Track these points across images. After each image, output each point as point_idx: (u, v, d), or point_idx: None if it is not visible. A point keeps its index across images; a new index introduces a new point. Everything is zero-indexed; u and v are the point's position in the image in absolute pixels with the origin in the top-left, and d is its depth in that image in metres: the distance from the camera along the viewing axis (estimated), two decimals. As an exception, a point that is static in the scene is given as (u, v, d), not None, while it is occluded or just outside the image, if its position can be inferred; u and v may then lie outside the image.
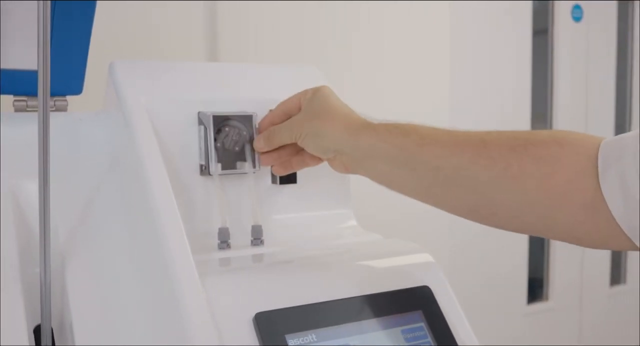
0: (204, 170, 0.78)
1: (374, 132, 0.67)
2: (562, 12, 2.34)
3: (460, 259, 2.02)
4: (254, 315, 0.61)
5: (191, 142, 0.78)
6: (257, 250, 0.76)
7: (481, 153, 0.60)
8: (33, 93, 0.84)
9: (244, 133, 0.79)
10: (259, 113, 0.81)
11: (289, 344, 0.60)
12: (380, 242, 0.79)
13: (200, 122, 0.78)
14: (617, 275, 2.63)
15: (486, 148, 0.61)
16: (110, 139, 0.80)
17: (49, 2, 0.56)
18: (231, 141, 0.78)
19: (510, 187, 0.59)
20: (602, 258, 2.53)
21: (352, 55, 1.77)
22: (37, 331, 0.68)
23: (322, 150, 0.73)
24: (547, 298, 2.41)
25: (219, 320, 0.60)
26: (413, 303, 0.68)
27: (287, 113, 0.78)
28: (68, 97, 0.84)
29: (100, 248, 0.71)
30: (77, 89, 0.83)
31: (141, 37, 1.41)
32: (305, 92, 0.77)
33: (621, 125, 2.58)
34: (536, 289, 2.40)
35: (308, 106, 0.75)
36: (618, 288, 2.61)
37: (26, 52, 0.77)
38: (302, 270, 0.70)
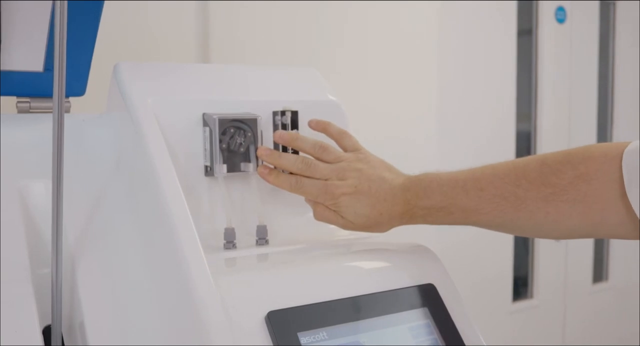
0: (209, 171, 0.79)
1: (422, 219, 0.77)
2: (546, 14, 2.38)
3: (446, 258, 2.04)
4: (266, 313, 0.62)
5: (196, 144, 0.80)
6: (263, 249, 0.78)
7: (520, 209, 0.70)
8: (32, 94, 0.84)
9: (249, 134, 0.80)
10: (262, 115, 0.82)
11: (301, 342, 0.62)
12: (383, 241, 0.81)
13: (206, 124, 0.79)
14: (599, 272, 2.68)
15: (524, 203, 0.69)
16: (114, 140, 0.81)
17: (65, 2, 0.56)
18: (236, 143, 0.79)
19: (553, 228, 0.70)
20: (584, 256, 2.58)
21: (342, 55, 1.78)
22: (45, 332, 0.69)
23: (361, 221, 0.77)
24: (531, 296, 2.45)
25: (232, 318, 0.61)
26: (419, 300, 0.70)
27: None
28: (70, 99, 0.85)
29: (110, 249, 0.72)
30: (80, 90, 0.84)
31: (132, 38, 1.41)
32: (329, 194, 0.77)
33: (603, 124, 2.63)
34: (521, 287, 2.44)
35: (352, 173, 0.77)
36: (601, 286, 2.66)
37: (26, 53, 0.78)
38: (310, 269, 0.71)
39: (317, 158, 0.80)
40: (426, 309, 0.69)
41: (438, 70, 2.01)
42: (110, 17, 1.35)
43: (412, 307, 0.69)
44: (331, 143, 0.82)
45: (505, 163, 0.73)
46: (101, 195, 0.77)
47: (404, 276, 0.71)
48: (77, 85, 0.83)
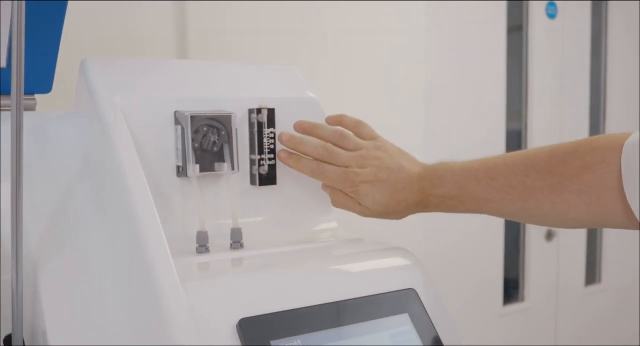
0: (181, 171, 0.78)
1: (436, 208, 0.80)
2: (536, 9, 2.38)
3: (434, 260, 2.04)
4: (238, 320, 0.61)
5: (168, 143, 0.78)
6: (237, 253, 0.76)
7: (528, 199, 0.72)
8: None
9: (223, 133, 0.79)
10: (238, 113, 0.81)
11: (275, 350, 0.61)
12: (363, 244, 0.80)
13: (177, 122, 0.78)
14: (592, 274, 2.69)
15: (531, 193, 0.72)
16: (82, 139, 0.79)
17: (23, 1, 0.55)
18: (209, 141, 0.78)
19: (561, 218, 0.72)
20: (577, 257, 2.58)
21: (326, 55, 1.77)
22: (6, 341, 0.67)
23: (379, 208, 0.81)
24: (522, 299, 2.45)
25: (202, 326, 0.60)
26: (399, 306, 0.69)
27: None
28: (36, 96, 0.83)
29: (74, 253, 0.71)
30: (46, 88, 0.82)
31: (108, 34, 1.40)
32: (349, 180, 0.80)
33: (595, 122, 2.64)
34: (512, 290, 2.43)
35: (372, 161, 0.81)
36: (593, 288, 2.66)
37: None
38: (285, 274, 0.70)
39: (337, 146, 0.82)
40: (407, 315, 0.68)
41: (426, 68, 2.01)
42: (84, 12, 1.34)
43: (392, 313, 0.68)
44: None
45: (517, 153, 0.76)
46: (67, 197, 0.75)
47: (384, 281, 0.70)
48: (43, 81, 0.81)
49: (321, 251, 0.78)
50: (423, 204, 0.80)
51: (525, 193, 0.72)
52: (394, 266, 0.73)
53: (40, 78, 0.80)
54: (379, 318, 0.67)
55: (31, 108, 0.83)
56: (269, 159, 0.82)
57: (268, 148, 0.82)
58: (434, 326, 0.69)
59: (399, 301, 0.69)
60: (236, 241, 0.78)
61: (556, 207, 0.70)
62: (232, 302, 0.63)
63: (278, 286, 0.67)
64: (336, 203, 0.83)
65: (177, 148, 0.78)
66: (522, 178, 0.72)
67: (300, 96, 0.87)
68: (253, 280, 0.67)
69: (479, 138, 2.18)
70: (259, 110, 0.81)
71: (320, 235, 0.84)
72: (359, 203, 0.81)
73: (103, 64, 0.79)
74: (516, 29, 2.36)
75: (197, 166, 0.77)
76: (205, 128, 0.78)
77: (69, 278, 0.69)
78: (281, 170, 0.83)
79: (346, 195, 0.82)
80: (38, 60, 0.78)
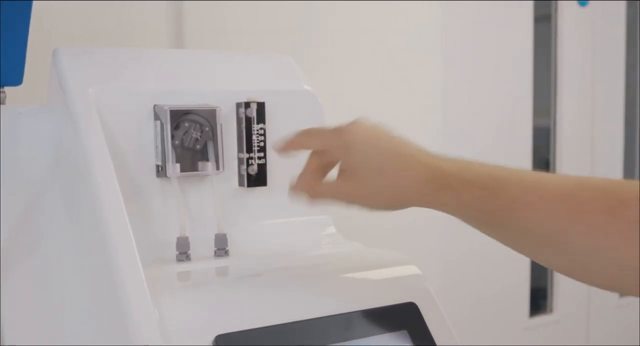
0: (161, 171, 0.75)
1: (455, 195, 0.63)
2: (566, -4, 2.34)
3: (454, 268, 2.01)
4: (214, 337, 0.59)
5: (147, 140, 0.76)
6: (221, 262, 0.74)
7: (577, 219, 0.60)
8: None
9: (206, 129, 0.76)
10: (226, 107, 0.78)
11: (254, 371, 0.58)
12: (361, 253, 0.77)
13: (157, 117, 0.75)
14: (627, 284, 2.63)
15: (582, 213, 0.59)
16: (54, 135, 0.77)
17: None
18: (191, 138, 0.75)
19: (609, 256, 0.59)
20: (610, 265, 2.53)
21: (333, 46, 1.74)
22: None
23: (374, 179, 0.65)
24: (551, 310, 2.41)
25: (173, 342, 0.57)
26: (398, 322, 0.66)
27: (324, 166, 0.70)
28: (6, 89, 0.81)
29: (41, 255, 0.69)
30: (16, 80, 0.80)
31: (95, 22, 1.38)
32: (340, 132, 0.67)
33: (631, 119, 2.58)
34: (539, 300, 2.39)
35: (362, 156, 0.65)
36: (629, 299, 2.60)
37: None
38: (271, 285, 0.67)
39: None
40: (405, 332, 0.65)
41: (443, 61, 1.97)
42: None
43: (389, 330, 0.65)
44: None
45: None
46: (37, 197, 0.73)
47: (381, 294, 0.67)
48: (12, 73, 0.79)
49: (312, 260, 0.75)
50: (437, 186, 0.63)
51: (576, 210, 0.60)
52: (392, 278, 0.70)
53: (9, 69, 0.78)
54: (374, 335, 0.64)
55: (0, 102, 0.81)
56: (259, 158, 0.79)
57: (258, 146, 0.79)
58: (436, 345, 0.65)
59: (397, 317, 0.66)
60: (221, 248, 0.75)
61: (608, 241, 0.59)
62: (208, 317, 0.60)
63: (261, 300, 0.64)
64: (316, 193, 0.69)
65: (156, 146, 0.75)
66: None
67: (295, 89, 0.84)
68: (233, 292, 0.65)
69: (503, 138, 2.13)
70: (247, 104, 0.78)
71: (315, 242, 0.81)
72: (346, 181, 0.67)
73: (77, 53, 0.77)
74: (544, 19, 2.32)
75: (178, 165, 0.75)
76: (186, 124, 0.75)
77: (35, 281, 0.67)
78: (272, 171, 0.80)
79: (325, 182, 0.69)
80: (6, 51, 0.76)
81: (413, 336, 0.65)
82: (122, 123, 0.74)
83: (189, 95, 0.77)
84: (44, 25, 1.26)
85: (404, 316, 0.66)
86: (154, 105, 0.75)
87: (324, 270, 0.72)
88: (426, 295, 0.69)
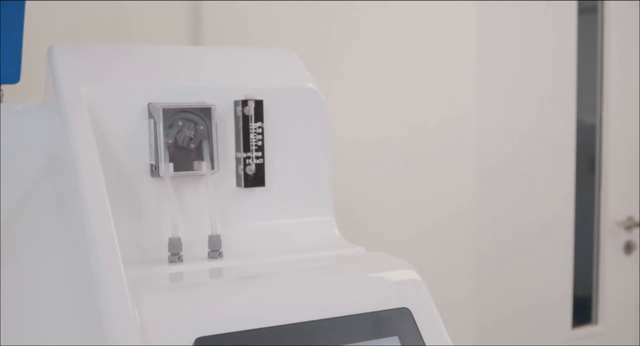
0: (155, 170, 0.77)
1: None
2: (614, -13, 2.30)
3: (487, 274, 1.99)
4: (194, 339, 0.60)
5: (141, 139, 0.77)
6: (214, 264, 0.75)
7: None
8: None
9: (201, 128, 0.77)
10: (222, 105, 0.79)
11: (234, 375, 0.59)
12: (359, 256, 0.78)
13: (151, 115, 0.77)
14: (680, 294, 2.58)
15: None
16: (49, 134, 0.79)
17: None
18: (185, 137, 0.77)
19: None
20: (663, 274, 2.48)
21: (363, 43, 1.75)
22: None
23: None
24: (596, 322, 2.37)
25: (152, 344, 0.59)
26: (389, 327, 0.66)
27: None
28: (3, 87, 0.84)
29: (29, 256, 0.71)
30: (13, 77, 0.83)
31: (108, 21, 1.41)
32: None
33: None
34: (583, 311, 2.36)
35: None
36: (682, 310, 2.55)
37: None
38: (261, 287, 0.68)
39: None
40: (397, 338, 0.66)
41: (477, 58, 1.96)
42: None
43: (379, 335, 0.66)
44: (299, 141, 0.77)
45: None
46: (31, 196, 0.76)
47: (373, 299, 0.68)
48: (9, 71, 0.82)
49: (306, 263, 0.76)
50: None
51: None
52: (386, 282, 0.70)
53: (6, 67, 0.81)
54: (363, 341, 0.64)
55: (-3, 100, 0.83)
56: (257, 158, 0.80)
57: (255, 145, 0.80)
58: (428, 352, 0.66)
59: (389, 322, 0.66)
60: (214, 250, 0.76)
61: None
62: (189, 319, 0.62)
63: (247, 302, 0.65)
64: None
65: (150, 145, 0.77)
66: None
67: (296, 86, 0.85)
68: (219, 293, 0.66)
69: (545, 135, 2.11)
70: (245, 102, 0.80)
71: (315, 244, 0.82)
72: None
73: (72, 50, 0.79)
74: (589, 11, 2.28)
75: (171, 165, 0.76)
76: (180, 123, 0.77)
77: (19, 281, 0.69)
78: (270, 170, 0.81)
79: None
80: (3, 49, 0.79)
81: (404, 342, 0.66)
82: (115, 121, 0.76)
83: (186, 92, 0.79)
84: (54, 25, 1.29)
85: (396, 322, 0.66)
86: (149, 103, 0.77)
87: (317, 273, 0.73)
88: (422, 301, 0.69)
